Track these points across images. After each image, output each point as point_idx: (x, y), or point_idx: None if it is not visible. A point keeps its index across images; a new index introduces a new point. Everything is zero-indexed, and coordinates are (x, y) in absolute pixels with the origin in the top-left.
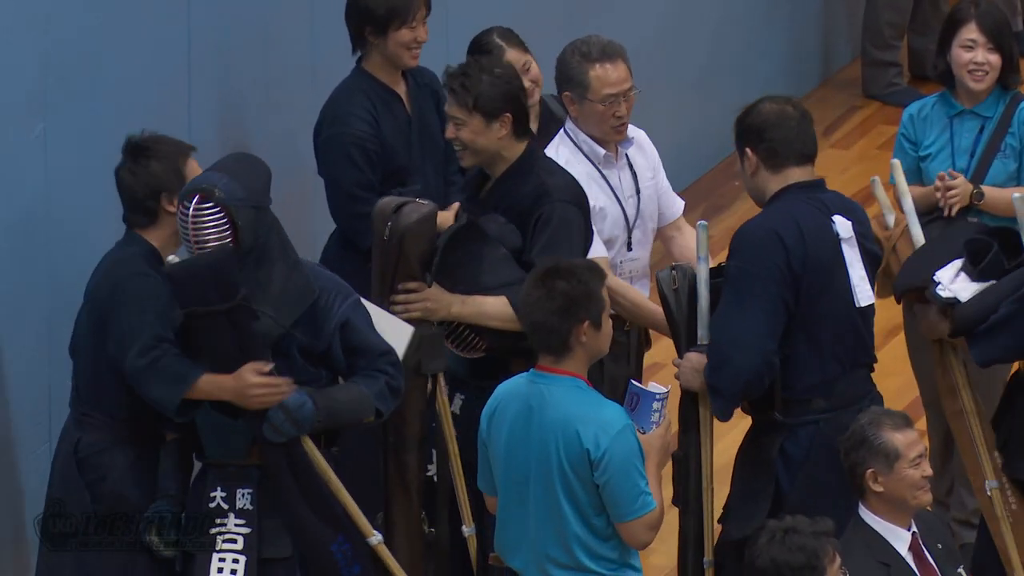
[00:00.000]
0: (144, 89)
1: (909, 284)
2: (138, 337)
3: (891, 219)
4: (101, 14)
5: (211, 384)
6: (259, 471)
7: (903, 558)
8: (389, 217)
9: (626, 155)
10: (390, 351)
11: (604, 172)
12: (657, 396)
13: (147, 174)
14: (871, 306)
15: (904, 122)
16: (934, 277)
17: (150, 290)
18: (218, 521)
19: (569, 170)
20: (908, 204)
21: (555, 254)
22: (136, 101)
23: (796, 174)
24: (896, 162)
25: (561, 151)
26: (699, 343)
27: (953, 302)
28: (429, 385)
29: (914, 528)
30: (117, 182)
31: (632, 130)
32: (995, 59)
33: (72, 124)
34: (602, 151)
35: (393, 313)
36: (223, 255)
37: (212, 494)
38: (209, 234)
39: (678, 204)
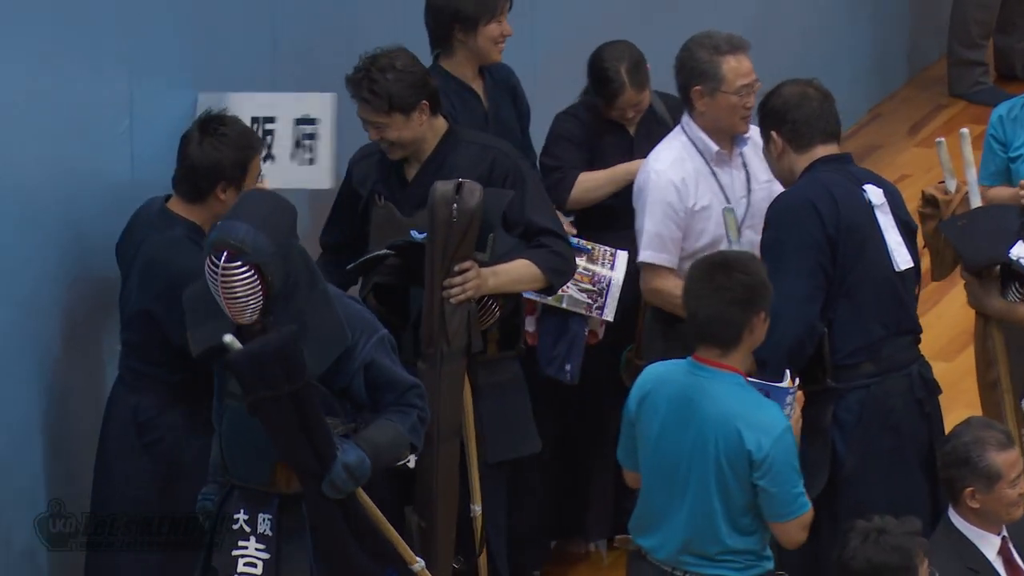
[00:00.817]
0: (226, 88)
1: (988, 259)
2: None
3: (952, 184)
4: (184, 15)
5: None
6: (280, 498)
7: (992, 564)
8: (453, 199)
9: (741, 154)
10: (417, 384)
11: (715, 170)
12: (790, 390)
13: (212, 160)
14: (911, 270)
15: (993, 123)
16: (1009, 254)
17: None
18: (240, 543)
19: (679, 166)
20: (972, 175)
21: (545, 209)
22: (219, 98)
23: (822, 151)
24: (965, 131)
25: (674, 145)
26: None
27: None
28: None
29: (1004, 532)
30: (181, 147)
31: (752, 130)
32: None
33: (156, 120)
34: (715, 147)
35: (449, 297)
36: (288, 338)
37: (236, 516)
38: (239, 290)
39: None
